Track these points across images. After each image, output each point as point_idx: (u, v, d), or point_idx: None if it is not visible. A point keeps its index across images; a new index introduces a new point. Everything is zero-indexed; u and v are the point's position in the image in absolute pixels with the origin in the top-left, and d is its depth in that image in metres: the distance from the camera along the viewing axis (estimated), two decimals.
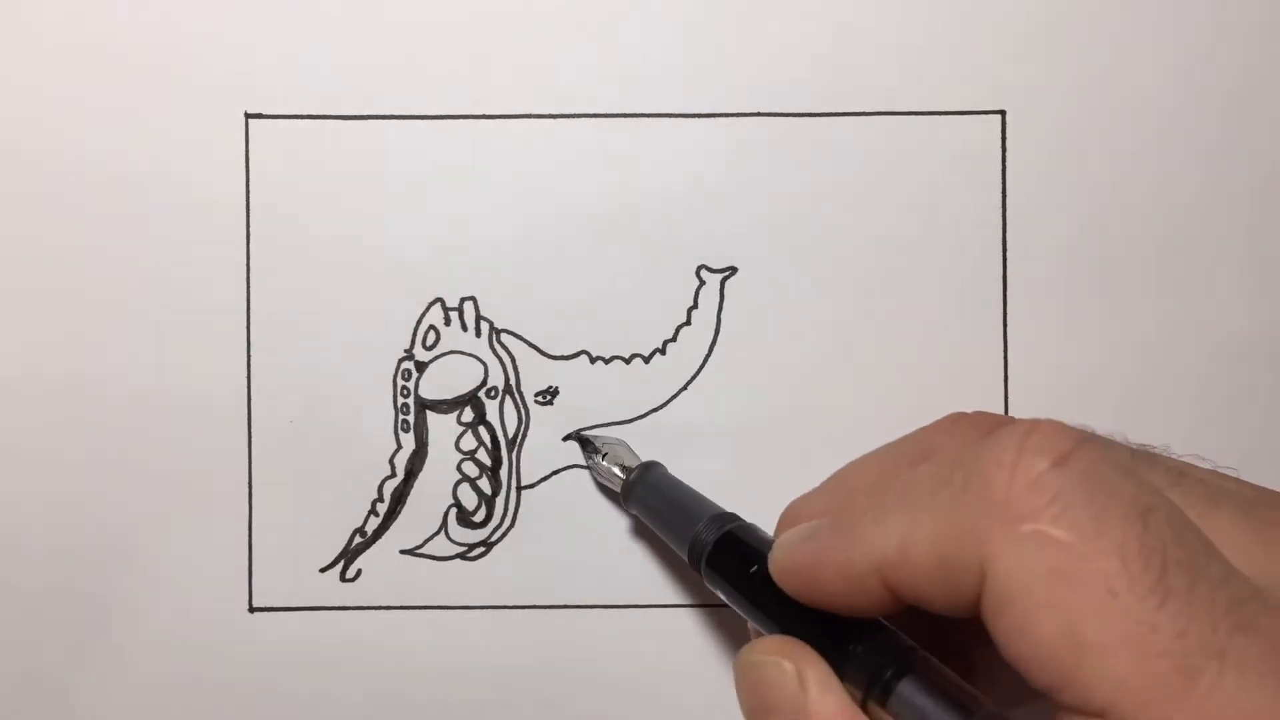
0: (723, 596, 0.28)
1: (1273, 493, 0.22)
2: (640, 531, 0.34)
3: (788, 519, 0.26)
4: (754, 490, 0.34)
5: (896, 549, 0.21)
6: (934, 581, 0.21)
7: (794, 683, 0.23)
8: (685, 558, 0.29)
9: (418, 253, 0.34)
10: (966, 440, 0.24)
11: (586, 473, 0.34)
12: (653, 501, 0.32)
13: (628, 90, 0.34)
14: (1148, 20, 0.34)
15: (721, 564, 0.28)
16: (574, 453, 0.34)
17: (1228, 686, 0.18)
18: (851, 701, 0.22)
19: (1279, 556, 0.21)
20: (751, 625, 0.27)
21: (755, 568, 0.26)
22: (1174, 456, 0.23)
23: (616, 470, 0.33)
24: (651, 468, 0.32)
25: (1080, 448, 0.20)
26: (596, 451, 0.33)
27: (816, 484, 0.27)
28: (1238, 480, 0.23)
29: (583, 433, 0.34)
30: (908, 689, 0.22)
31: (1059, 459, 0.20)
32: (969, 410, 0.26)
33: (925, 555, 0.21)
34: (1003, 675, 0.20)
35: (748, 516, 0.29)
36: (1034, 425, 0.20)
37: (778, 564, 0.25)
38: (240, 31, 0.33)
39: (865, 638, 0.23)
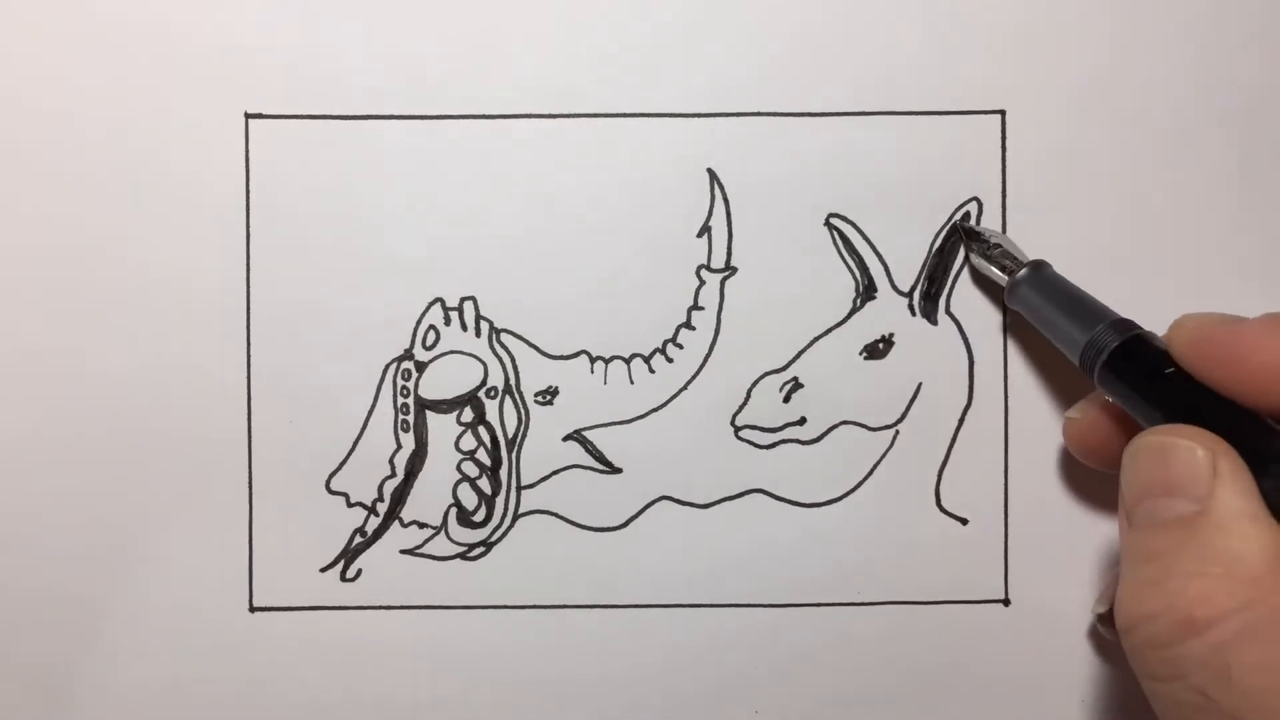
0: (1115, 398, 0.28)
1: None
2: (640, 530, 0.34)
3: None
4: (759, 485, 0.34)
5: None
6: None
7: (1206, 469, 0.23)
8: (1075, 359, 0.29)
9: (418, 253, 0.34)
10: None
11: (586, 472, 0.34)
12: (1040, 302, 0.31)
13: (628, 90, 0.34)
14: (1147, 20, 0.34)
15: (1122, 366, 0.28)
16: (574, 452, 0.34)
17: None
18: (1262, 501, 0.23)
19: None
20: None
21: (1172, 369, 0.26)
22: None
23: (1001, 268, 0.32)
24: (1041, 267, 0.32)
25: None
26: (982, 243, 0.33)
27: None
28: None
29: (964, 224, 0.33)
30: None
31: None
32: None
33: None
34: None
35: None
36: None
37: (1187, 334, 0.25)
38: (240, 31, 0.33)
39: None
